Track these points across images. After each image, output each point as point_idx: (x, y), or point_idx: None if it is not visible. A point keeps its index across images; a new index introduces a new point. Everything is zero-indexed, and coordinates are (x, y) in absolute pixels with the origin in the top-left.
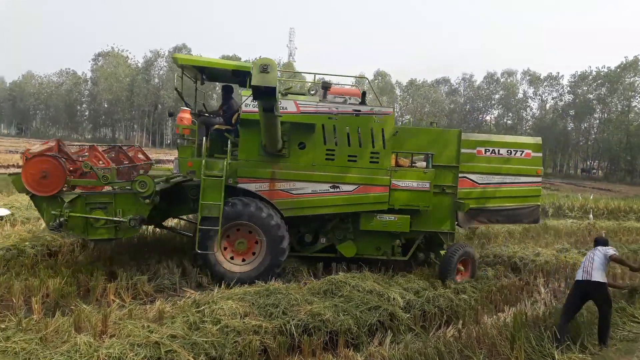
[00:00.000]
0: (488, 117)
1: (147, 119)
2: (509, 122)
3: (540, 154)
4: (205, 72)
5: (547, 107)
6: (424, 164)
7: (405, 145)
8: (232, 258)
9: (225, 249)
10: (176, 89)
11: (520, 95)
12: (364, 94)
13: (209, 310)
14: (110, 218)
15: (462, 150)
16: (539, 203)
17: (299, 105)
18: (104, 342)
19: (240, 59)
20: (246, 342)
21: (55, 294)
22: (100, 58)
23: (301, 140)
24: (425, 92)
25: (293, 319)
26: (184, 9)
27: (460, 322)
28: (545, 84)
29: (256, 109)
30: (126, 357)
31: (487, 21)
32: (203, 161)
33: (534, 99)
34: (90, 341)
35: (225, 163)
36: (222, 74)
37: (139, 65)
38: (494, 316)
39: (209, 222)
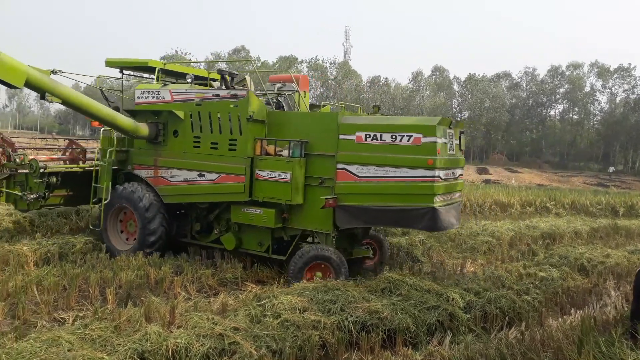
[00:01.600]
0: (552, 112)
1: None
2: (575, 117)
3: (434, 139)
4: (131, 69)
5: (617, 101)
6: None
7: (282, 132)
8: (127, 239)
9: (122, 231)
10: (100, 88)
11: (588, 88)
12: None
13: (270, 304)
14: (13, 192)
15: (341, 137)
16: (432, 205)
17: (173, 93)
18: (171, 332)
19: (296, 59)
20: (306, 336)
21: (127, 286)
22: (165, 61)
23: (175, 129)
24: (485, 87)
25: (351, 316)
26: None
27: (523, 324)
28: (615, 76)
29: (147, 101)
30: (192, 347)
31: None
32: (97, 149)
33: (603, 92)
34: (160, 331)
35: (110, 152)
36: (144, 69)
37: (201, 67)
38: (559, 319)
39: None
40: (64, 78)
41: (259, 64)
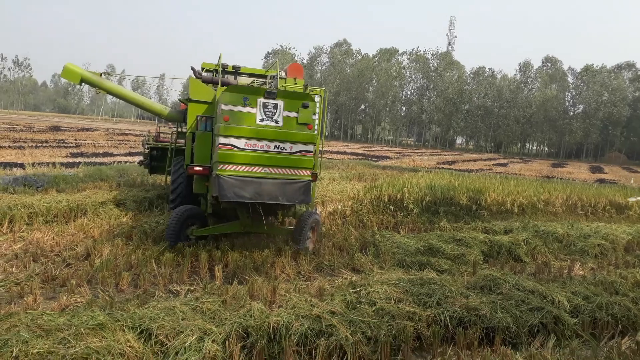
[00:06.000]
0: None
1: None
2: None
3: (224, 107)
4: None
5: None
6: None
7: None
8: None
9: None
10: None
11: None
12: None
13: (365, 292)
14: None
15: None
16: (216, 172)
17: None
18: (272, 310)
19: (397, 50)
20: (400, 326)
21: (233, 265)
22: (271, 56)
23: None
24: (604, 79)
25: (447, 310)
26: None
27: (639, 334)
28: None
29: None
30: (292, 326)
31: None
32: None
33: None
34: (262, 308)
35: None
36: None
37: (304, 61)
38: None
39: None
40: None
41: (359, 57)
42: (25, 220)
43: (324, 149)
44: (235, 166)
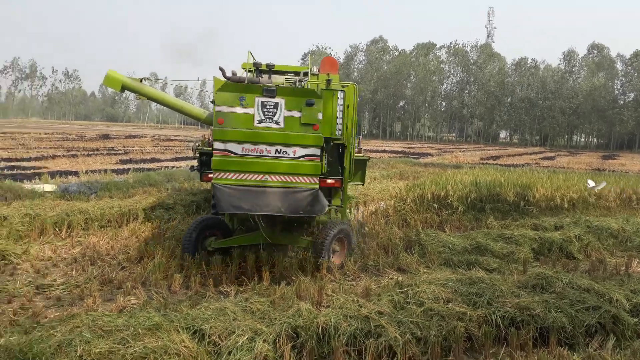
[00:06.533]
0: None
1: None
2: None
3: (219, 108)
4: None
5: None
6: None
7: None
8: None
9: None
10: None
11: None
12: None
13: (412, 292)
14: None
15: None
16: (214, 182)
17: None
18: (320, 310)
19: (434, 45)
20: (450, 327)
21: (280, 266)
22: (307, 57)
23: None
24: None
25: (499, 310)
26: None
27: None
28: None
29: None
30: (340, 326)
31: None
32: None
33: None
34: (310, 308)
35: None
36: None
37: (340, 60)
38: None
39: None
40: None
41: (396, 53)
42: (81, 226)
43: (361, 146)
44: (231, 174)
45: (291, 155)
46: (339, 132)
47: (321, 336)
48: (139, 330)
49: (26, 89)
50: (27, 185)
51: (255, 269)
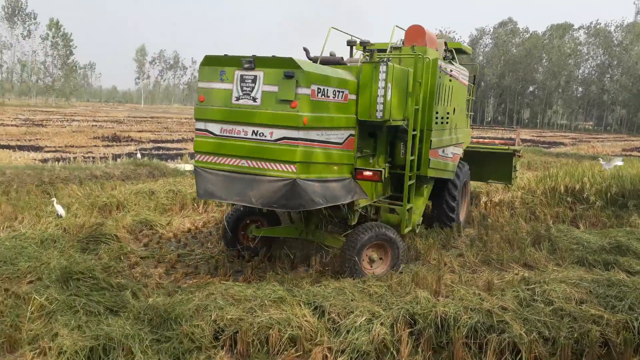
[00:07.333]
0: None
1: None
2: None
3: (202, 84)
4: None
5: None
6: None
7: None
8: None
9: None
10: None
11: None
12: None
13: (540, 289)
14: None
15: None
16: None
17: None
18: (438, 300)
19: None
20: (584, 330)
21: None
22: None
23: None
24: None
25: None
26: None
27: None
28: None
29: None
30: (460, 317)
31: None
32: None
33: None
34: (429, 297)
35: None
36: None
37: (465, 44)
38: None
39: None
40: None
41: (526, 35)
42: (216, 203)
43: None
44: (210, 157)
45: (268, 137)
46: (379, 115)
47: (439, 326)
48: (265, 301)
49: (170, 78)
50: (170, 164)
51: None
